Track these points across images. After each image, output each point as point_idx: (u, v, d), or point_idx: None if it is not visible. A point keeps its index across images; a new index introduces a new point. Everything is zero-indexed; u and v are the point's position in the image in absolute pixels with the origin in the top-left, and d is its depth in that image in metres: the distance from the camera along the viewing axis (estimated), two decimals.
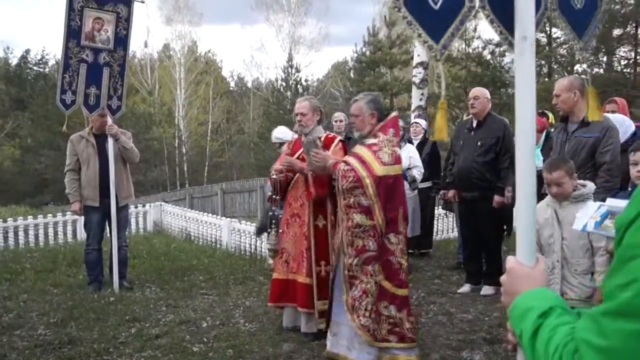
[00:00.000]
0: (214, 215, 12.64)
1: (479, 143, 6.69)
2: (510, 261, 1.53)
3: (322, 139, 5.52)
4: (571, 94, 5.30)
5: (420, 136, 9.17)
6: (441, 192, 8.10)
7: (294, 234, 5.57)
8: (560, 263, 4.05)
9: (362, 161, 4.52)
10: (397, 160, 4.60)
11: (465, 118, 8.18)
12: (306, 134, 5.68)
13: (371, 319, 4.46)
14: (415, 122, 9.52)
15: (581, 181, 4.20)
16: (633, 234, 1.02)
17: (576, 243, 4.05)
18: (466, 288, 6.98)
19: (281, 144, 9.01)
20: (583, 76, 7.47)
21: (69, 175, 7.24)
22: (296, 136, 5.84)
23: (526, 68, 1.54)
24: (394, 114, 4.89)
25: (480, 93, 6.85)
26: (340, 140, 5.58)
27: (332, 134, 5.70)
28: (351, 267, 4.47)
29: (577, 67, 24.12)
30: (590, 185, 4.18)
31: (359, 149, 4.68)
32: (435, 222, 10.42)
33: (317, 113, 5.65)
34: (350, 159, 4.60)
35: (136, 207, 13.50)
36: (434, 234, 10.26)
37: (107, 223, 7.41)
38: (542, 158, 6.36)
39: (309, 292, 5.36)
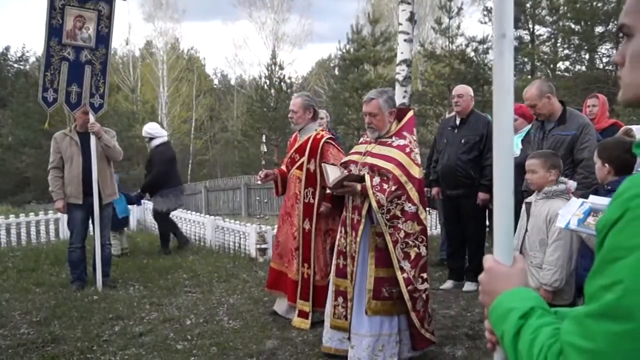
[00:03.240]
0: (198, 213, 12.61)
1: (462, 140, 6.72)
2: (488, 260, 1.51)
3: (312, 137, 5.65)
4: (544, 99, 5.34)
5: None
6: (425, 188, 8.14)
7: (285, 231, 5.91)
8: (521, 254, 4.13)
9: (400, 165, 4.27)
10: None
11: (447, 115, 8.20)
12: (299, 130, 5.84)
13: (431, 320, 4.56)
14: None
15: (562, 179, 4.26)
16: (616, 235, 1.01)
17: (536, 237, 4.14)
18: (449, 284, 7.03)
19: (151, 138, 9.38)
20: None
21: (53, 172, 7.19)
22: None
23: (505, 67, 1.51)
24: (412, 112, 4.68)
25: (464, 91, 6.89)
26: (326, 141, 5.68)
27: (322, 133, 5.78)
28: (410, 280, 4.23)
29: (559, 64, 24.28)
30: (568, 184, 4.25)
31: (387, 151, 4.41)
32: None
33: (310, 111, 5.83)
34: (385, 166, 4.30)
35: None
36: None
37: (90, 221, 7.38)
38: (521, 147, 6.40)
39: (295, 289, 5.75)
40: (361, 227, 4.40)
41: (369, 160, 4.43)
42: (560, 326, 1.13)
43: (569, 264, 4.00)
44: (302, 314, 5.66)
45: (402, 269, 4.23)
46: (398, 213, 4.24)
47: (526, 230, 4.23)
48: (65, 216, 7.80)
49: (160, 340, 5.33)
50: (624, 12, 1.18)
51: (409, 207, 4.25)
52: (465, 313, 6.00)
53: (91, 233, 7.63)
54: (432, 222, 11.21)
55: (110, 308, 6.34)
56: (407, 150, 4.36)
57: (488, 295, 1.43)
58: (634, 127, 5.55)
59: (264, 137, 7.67)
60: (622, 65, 1.19)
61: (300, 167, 5.74)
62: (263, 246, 9.21)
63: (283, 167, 6.10)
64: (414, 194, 4.26)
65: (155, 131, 9.70)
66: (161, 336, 5.44)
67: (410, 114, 4.65)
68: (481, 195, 6.65)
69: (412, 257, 4.25)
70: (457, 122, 6.87)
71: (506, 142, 1.53)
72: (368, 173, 4.36)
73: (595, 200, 3.58)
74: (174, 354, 5.00)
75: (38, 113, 28.09)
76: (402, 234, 4.23)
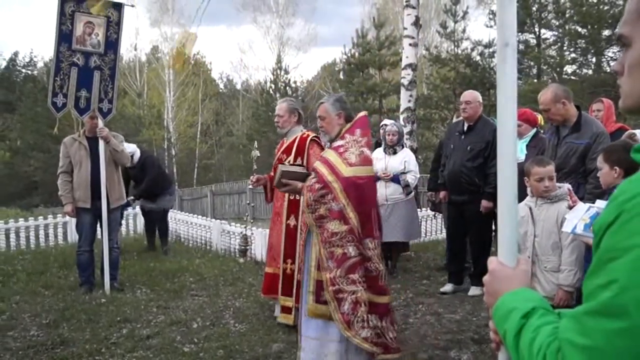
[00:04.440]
0: (204, 217, 12.66)
1: (468, 147, 6.71)
2: (492, 262, 1.55)
3: (298, 137, 5.77)
4: (559, 104, 5.19)
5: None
6: (429, 193, 8.18)
7: (276, 231, 5.92)
8: (532, 259, 4.16)
9: (328, 165, 4.24)
10: (366, 160, 4.29)
11: (455, 119, 8.18)
12: (285, 134, 5.94)
13: (370, 329, 4.13)
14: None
15: (558, 184, 4.31)
16: (611, 236, 1.05)
17: (547, 241, 4.16)
18: (448, 287, 7.01)
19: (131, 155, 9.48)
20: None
21: (62, 177, 7.26)
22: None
23: (508, 75, 1.55)
24: (362, 113, 4.64)
25: (472, 97, 6.85)
26: (312, 139, 5.76)
27: (306, 133, 5.85)
28: (334, 280, 4.08)
29: (566, 67, 24.23)
30: (564, 187, 4.28)
31: (326, 153, 4.44)
32: (423, 223, 10.53)
33: (295, 115, 5.96)
34: (316, 166, 4.34)
35: (126, 209, 13.46)
36: (423, 235, 10.34)
37: (98, 225, 7.45)
38: (525, 153, 6.40)
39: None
40: (305, 230, 4.44)
41: (316, 164, 4.46)
42: (559, 324, 1.17)
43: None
44: (285, 310, 5.69)
45: (328, 269, 4.12)
46: (324, 212, 4.16)
47: (534, 236, 4.24)
48: (74, 220, 7.88)
49: (167, 343, 5.38)
50: (621, 22, 1.22)
51: (335, 205, 4.15)
52: (470, 317, 6.01)
53: (99, 237, 7.69)
54: (438, 226, 11.23)
55: (118, 311, 6.39)
56: (341, 150, 4.29)
57: (492, 296, 1.47)
58: (638, 132, 5.54)
59: (255, 143, 7.90)
60: (622, 74, 1.23)
61: None
62: (244, 247, 9.14)
63: (272, 173, 6.10)
64: (340, 193, 4.15)
65: (129, 146, 9.79)
66: (168, 339, 5.49)
67: (360, 114, 4.61)
68: (484, 203, 6.59)
69: (337, 256, 4.11)
70: (465, 128, 6.86)
71: (510, 147, 1.58)
72: (309, 175, 4.38)
73: (602, 204, 3.58)
74: (181, 356, 5.05)
75: (46, 117, 28.23)
76: (327, 234, 4.13)
